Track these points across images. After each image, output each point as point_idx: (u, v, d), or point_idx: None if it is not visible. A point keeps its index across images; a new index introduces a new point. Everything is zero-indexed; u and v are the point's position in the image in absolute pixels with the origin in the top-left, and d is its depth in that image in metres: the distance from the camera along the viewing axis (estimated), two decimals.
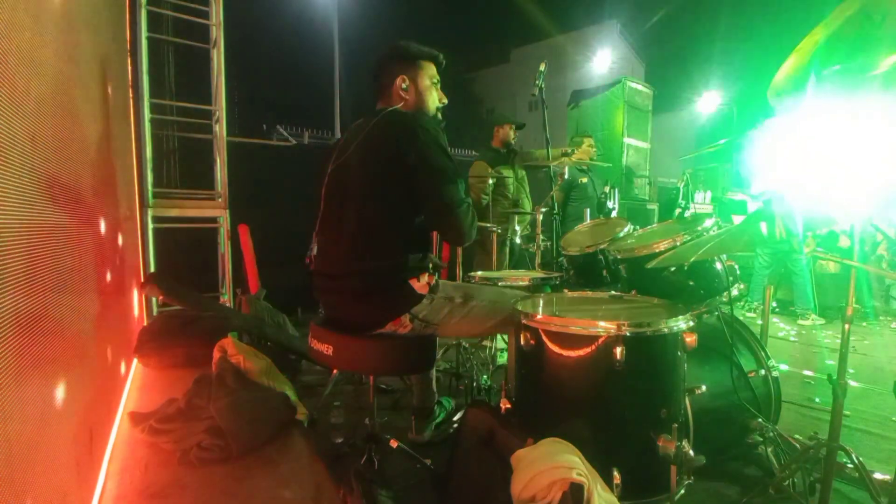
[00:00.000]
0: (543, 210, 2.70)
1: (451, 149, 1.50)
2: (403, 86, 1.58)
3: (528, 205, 3.58)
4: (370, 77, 1.65)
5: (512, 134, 3.55)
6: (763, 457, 1.70)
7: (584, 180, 3.99)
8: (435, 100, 1.65)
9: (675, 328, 1.24)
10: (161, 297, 2.81)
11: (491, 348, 2.49)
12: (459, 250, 2.79)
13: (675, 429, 1.20)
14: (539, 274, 2.30)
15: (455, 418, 2.09)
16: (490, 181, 2.99)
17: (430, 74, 1.63)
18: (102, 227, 1.60)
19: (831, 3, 1.18)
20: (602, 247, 2.13)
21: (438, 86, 1.66)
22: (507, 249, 3.35)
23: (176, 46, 3.37)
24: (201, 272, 3.55)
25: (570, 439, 1.10)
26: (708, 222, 1.76)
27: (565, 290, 2.11)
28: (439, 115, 1.67)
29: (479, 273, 2.25)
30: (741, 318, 2.34)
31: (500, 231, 2.85)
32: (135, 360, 2.21)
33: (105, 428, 1.45)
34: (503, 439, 1.24)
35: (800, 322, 4.22)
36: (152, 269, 3.09)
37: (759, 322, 2.79)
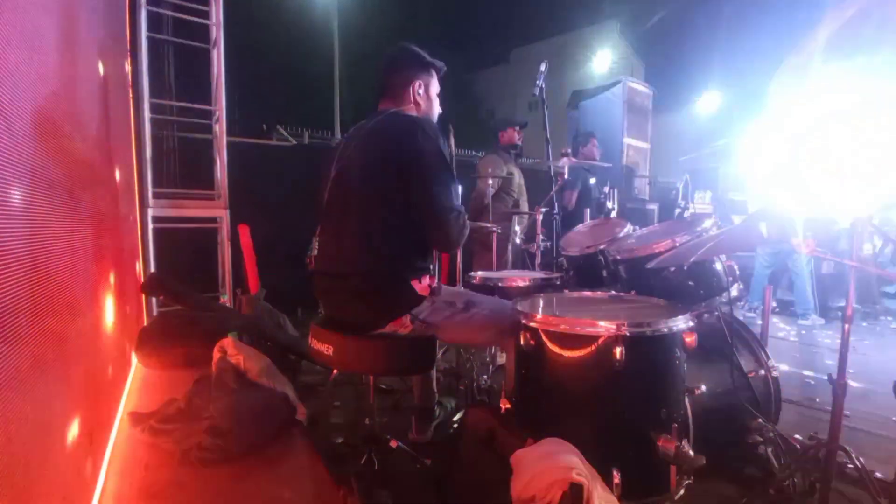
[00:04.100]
0: (543, 210, 2.69)
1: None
2: (420, 91, 1.59)
3: (526, 206, 3.60)
4: (378, 73, 1.64)
5: (517, 136, 3.58)
6: (763, 457, 1.70)
7: (593, 181, 4.03)
8: (437, 109, 1.68)
9: (675, 328, 1.24)
10: (161, 297, 2.81)
11: (491, 348, 2.48)
12: (459, 250, 2.79)
13: (675, 429, 1.20)
14: (539, 274, 2.30)
15: (455, 418, 2.09)
16: (499, 177, 3.01)
17: (436, 84, 1.66)
18: (102, 226, 1.59)
19: (831, 3, 1.18)
20: (602, 247, 2.13)
21: None
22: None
23: (176, 46, 3.37)
24: (201, 272, 3.54)
25: (570, 439, 1.10)
26: (708, 222, 1.76)
27: (565, 291, 2.11)
28: None
29: (480, 273, 2.24)
30: (741, 318, 2.34)
31: (500, 231, 2.85)
32: (135, 360, 2.21)
33: (105, 428, 1.45)
34: (503, 439, 1.24)
35: (800, 322, 4.22)
36: (152, 269, 3.08)
37: (759, 322, 2.79)
